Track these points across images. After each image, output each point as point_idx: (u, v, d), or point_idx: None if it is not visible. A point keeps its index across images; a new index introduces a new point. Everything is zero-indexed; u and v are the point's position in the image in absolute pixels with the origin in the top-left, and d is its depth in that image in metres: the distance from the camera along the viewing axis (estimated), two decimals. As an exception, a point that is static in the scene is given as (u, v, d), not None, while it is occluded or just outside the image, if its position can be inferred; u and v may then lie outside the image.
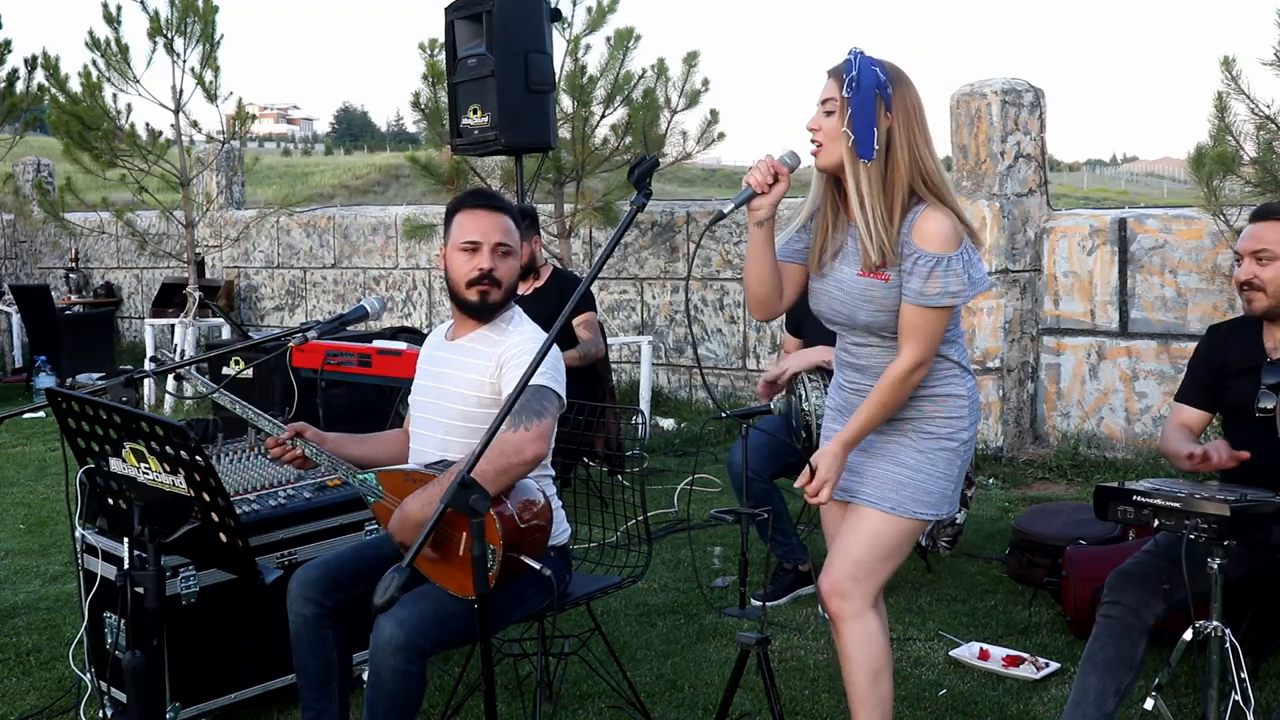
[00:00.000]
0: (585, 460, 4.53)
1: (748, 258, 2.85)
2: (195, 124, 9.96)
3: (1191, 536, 2.86)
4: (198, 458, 2.44)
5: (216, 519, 2.54)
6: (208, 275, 11.94)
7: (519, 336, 3.21)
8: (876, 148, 2.70)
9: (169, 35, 9.63)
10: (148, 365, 3.43)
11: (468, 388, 3.19)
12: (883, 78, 2.71)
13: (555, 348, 3.16)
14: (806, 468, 2.83)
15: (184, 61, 9.72)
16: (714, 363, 8.82)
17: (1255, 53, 5.67)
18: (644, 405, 8.25)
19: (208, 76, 9.74)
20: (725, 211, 2.73)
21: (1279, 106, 5.73)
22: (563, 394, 3.15)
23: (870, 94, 2.69)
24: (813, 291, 2.92)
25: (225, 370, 6.09)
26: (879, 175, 2.72)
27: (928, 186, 2.74)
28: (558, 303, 5.46)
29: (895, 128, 2.72)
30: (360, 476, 3.14)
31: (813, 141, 2.79)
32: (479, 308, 3.22)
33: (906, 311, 2.74)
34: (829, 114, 2.75)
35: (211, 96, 9.79)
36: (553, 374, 3.12)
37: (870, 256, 2.73)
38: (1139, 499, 3.01)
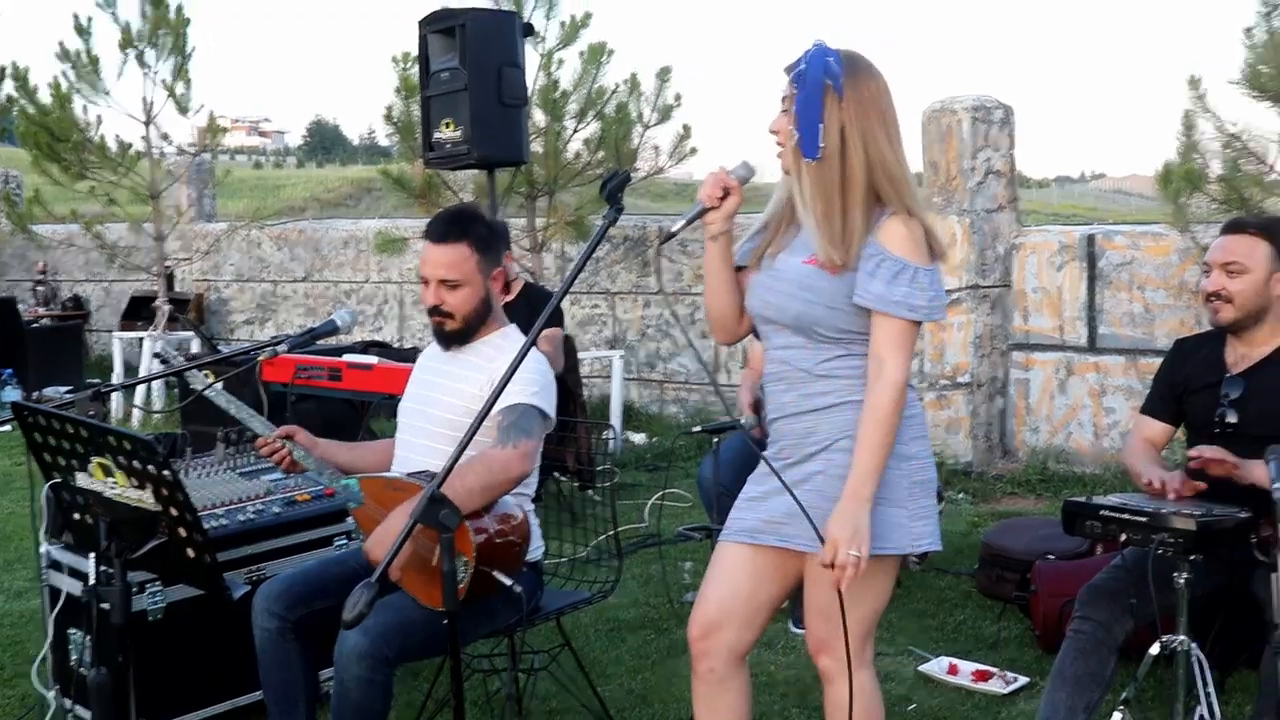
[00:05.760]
0: (556, 475, 4.53)
1: (705, 274, 2.66)
2: (166, 136, 9.89)
3: (1159, 551, 2.88)
4: (165, 472, 2.42)
5: (184, 534, 2.52)
6: (177, 288, 11.86)
7: (513, 354, 3.22)
8: (823, 145, 2.43)
9: (140, 47, 9.56)
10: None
11: (457, 397, 3.21)
12: (836, 68, 2.44)
13: (550, 369, 3.22)
14: (826, 547, 2.44)
15: (155, 74, 9.64)
16: (685, 378, 8.83)
17: (1222, 72, 5.73)
18: (615, 420, 8.24)
19: (179, 89, 9.67)
20: (673, 230, 2.47)
21: (1245, 124, 5.80)
22: (552, 414, 3.19)
23: (818, 87, 2.43)
24: (749, 287, 2.65)
25: (194, 385, 6.05)
26: (824, 177, 2.45)
27: (891, 185, 2.47)
28: (528, 317, 5.44)
29: (848, 123, 2.44)
30: (344, 482, 3.15)
31: (777, 145, 2.55)
32: (437, 334, 3.31)
33: (877, 323, 2.47)
34: (785, 113, 2.51)
35: (183, 109, 9.72)
36: (543, 394, 3.16)
37: (819, 257, 2.49)
38: (1106, 514, 3.03)
